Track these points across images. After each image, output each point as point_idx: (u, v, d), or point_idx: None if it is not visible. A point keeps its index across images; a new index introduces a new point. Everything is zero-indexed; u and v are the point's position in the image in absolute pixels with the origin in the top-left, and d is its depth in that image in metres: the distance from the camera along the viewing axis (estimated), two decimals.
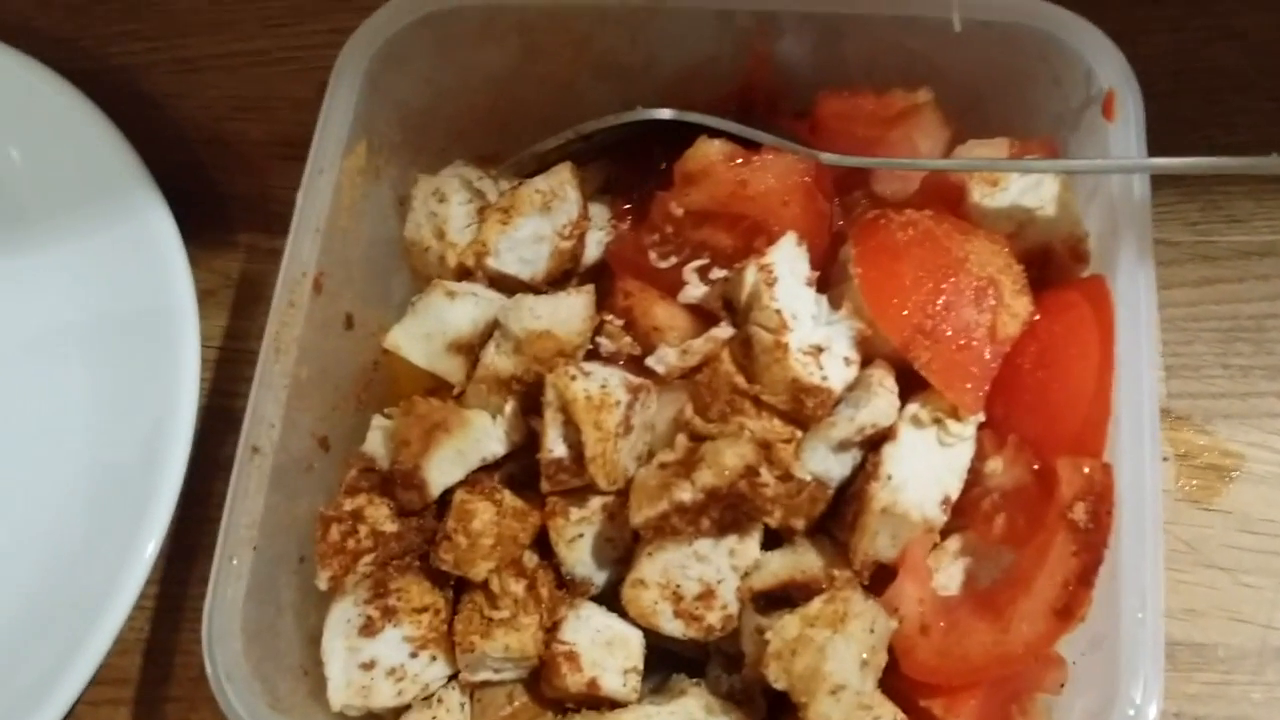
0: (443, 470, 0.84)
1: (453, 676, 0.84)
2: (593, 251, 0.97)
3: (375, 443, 0.88)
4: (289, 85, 1.17)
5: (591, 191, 0.98)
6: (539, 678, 0.84)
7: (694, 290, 0.91)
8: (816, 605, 0.78)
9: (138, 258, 1.03)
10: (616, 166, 1.01)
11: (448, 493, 0.85)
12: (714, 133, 0.92)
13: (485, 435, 0.85)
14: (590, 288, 0.90)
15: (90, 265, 1.05)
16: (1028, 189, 0.89)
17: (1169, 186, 1.05)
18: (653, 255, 0.92)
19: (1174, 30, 1.13)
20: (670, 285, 0.91)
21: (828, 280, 0.90)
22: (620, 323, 0.91)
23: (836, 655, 0.76)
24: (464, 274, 0.94)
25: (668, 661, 0.86)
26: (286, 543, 0.83)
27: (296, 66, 1.18)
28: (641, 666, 0.83)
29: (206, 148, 1.17)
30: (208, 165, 1.16)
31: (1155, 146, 0.88)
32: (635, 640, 0.83)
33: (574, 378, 0.82)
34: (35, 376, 1.05)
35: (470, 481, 0.85)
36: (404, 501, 0.84)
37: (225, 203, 1.15)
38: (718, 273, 0.91)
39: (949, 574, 0.83)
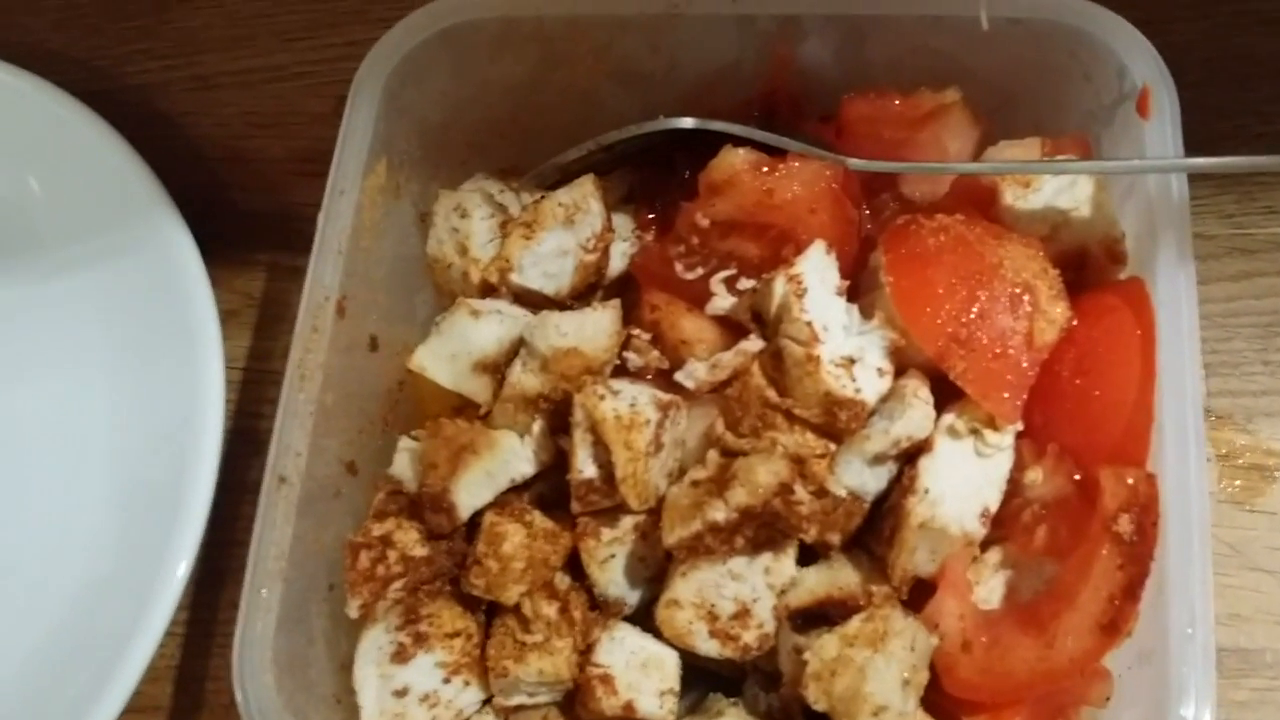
0: (472, 492, 0.83)
1: (486, 701, 0.83)
2: (617, 263, 0.95)
3: (403, 465, 0.87)
4: (306, 100, 1.16)
5: (614, 202, 0.97)
6: (574, 701, 0.82)
7: (722, 302, 0.89)
8: (855, 624, 0.76)
9: (159, 280, 1.02)
10: (639, 176, 0.99)
11: (477, 515, 0.84)
12: (738, 140, 0.90)
13: (514, 456, 0.84)
14: (616, 303, 0.89)
15: (111, 289, 1.05)
16: (1062, 190, 0.87)
17: (1203, 179, 1.03)
18: (679, 267, 0.91)
19: (1204, 17, 1.10)
20: (697, 297, 0.90)
21: (858, 288, 0.88)
22: (647, 337, 0.89)
23: (877, 675, 0.74)
24: (488, 290, 0.93)
25: (704, 681, 0.85)
26: (316, 571, 0.82)
27: (313, 81, 1.17)
28: (678, 688, 0.81)
29: (225, 166, 1.16)
30: (226, 183, 1.15)
31: (1187, 137, 0.86)
32: (671, 661, 0.81)
33: (603, 397, 0.81)
34: (60, 402, 1.04)
35: (500, 503, 0.84)
36: (433, 525, 0.83)
37: (245, 221, 1.14)
38: (745, 283, 0.89)
39: (990, 587, 0.81)
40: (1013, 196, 0.88)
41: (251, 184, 1.15)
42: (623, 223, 0.97)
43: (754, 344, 0.85)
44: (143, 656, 0.90)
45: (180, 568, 0.92)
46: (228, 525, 0.98)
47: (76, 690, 0.90)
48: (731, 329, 0.89)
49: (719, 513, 0.78)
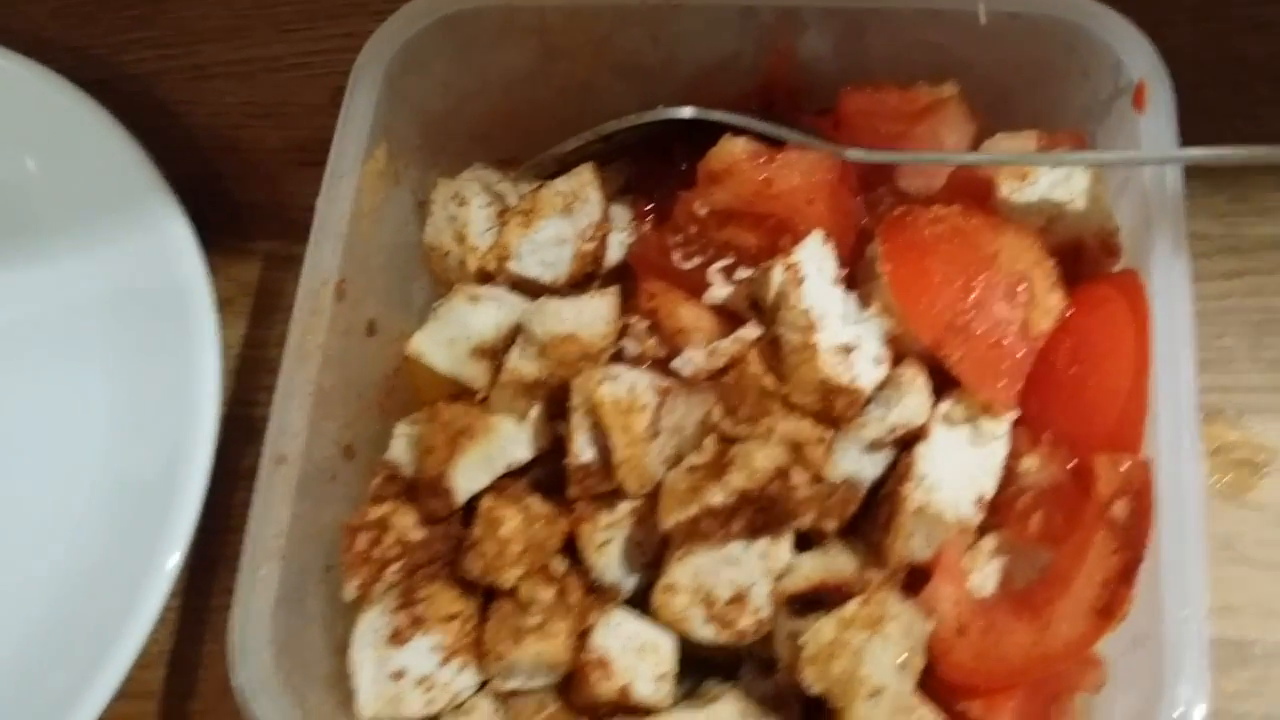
0: (469, 476, 0.83)
1: (483, 685, 0.83)
2: (614, 253, 0.95)
3: (399, 450, 0.87)
4: (304, 91, 1.17)
5: (612, 193, 0.97)
6: (570, 685, 0.82)
7: (719, 291, 0.89)
8: (852, 608, 0.76)
9: (156, 266, 1.02)
10: (637, 167, 1.00)
11: (474, 499, 0.84)
12: (737, 131, 0.91)
13: (511, 441, 0.84)
14: (615, 289, 0.89)
15: (108, 274, 1.05)
16: (1057, 183, 0.88)
17: (1196, 178, 1.01)
18: (676, 256, 0.91)
19: (1199, 21, 1.11)
20: (694, 286, 0.90)
21: (854, 279, 0.89)
22: (645, 325, 0.89)
23: (874, 658, 0.74)
24: (485, 278, 0.94)
25: (699, 667, 0.85)
26: (312, 552, 0.82)
27: (311, 72, 1.17)
28: (674, 672, 0.81)
29: (221, 155, 1.16)
30: (223, 173, 1.15)
31: (1181, 138, 0.86)
32: (667, 645, 0.81)
33: (601, 381, 0.81)
34: (53, 388, 1.04)
35: (497, 488, 0.84)
36: (430, 509, 0.83)
37: (241, 210, 1.14)
38: (743, 273, 0.89)
39: (984, 574, 0.81)
40: (1009, 189, 0.88)
41: (247, 173, 1.15)
42: (620, 213, 0.97)
43: (752, 331, 0.85)
44: (134, 644, 0.90)
45: (172, 557, 0.92)
46: (222, 512, 0.98)
47: (68, 676, 0.90)
48: (728, 319, 0.89)
49: (717, 496, 0.78)
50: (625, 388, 0.81)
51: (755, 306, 0.88)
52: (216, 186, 1.14)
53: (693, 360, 0.85)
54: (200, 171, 1.14)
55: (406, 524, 0.82)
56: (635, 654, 0.80)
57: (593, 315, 0.86)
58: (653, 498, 0.82)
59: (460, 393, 0.89)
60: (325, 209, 0.88)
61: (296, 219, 1.08)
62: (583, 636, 0.81)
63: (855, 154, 0.89)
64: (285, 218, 1.12)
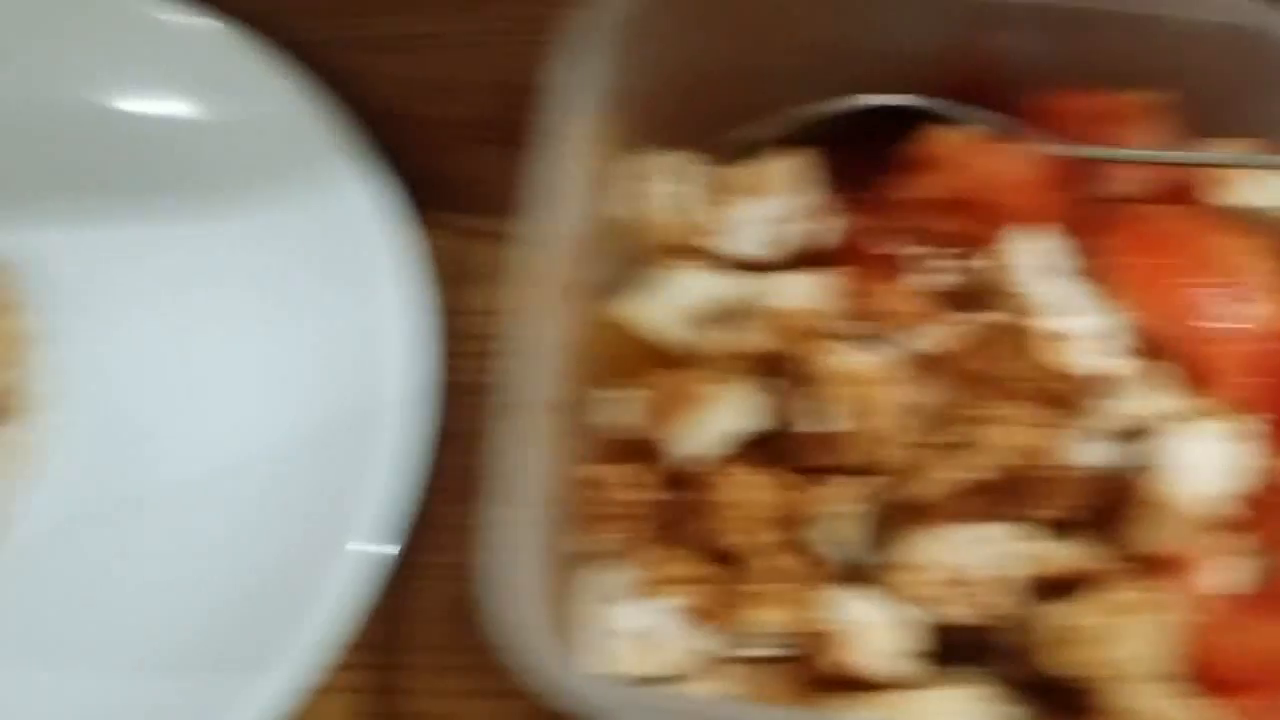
0: (694, 442, 0.82)
1: (715, 650, 0.81)
2: (818, 238, 0.94)
3: (615, 413, 0.86)
4: (474, 69, 1.16)
5: (815, 178, 0.96)
6: (805, 655, 0.81)
7: (928, 277, 0.89)
8: (1111, 594, 0.76)
9: (362, 229, 1.04)
10: (832, 154, 0.99)
11: (700, 466, 0.82)
12: (947, 121, 0.91)
13: (734, 410, 0.83)
14: (835, 270, 0.89)
15: (308, 233, 1.05)
16: (1267, 191, 0.88)
17: None
18: (885, 242, 0.91)
19: None
20: (901, 272, 0.89)
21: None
22: (856, 307, 0.88)
23: (1135, 646, 0.73)
24: (681, 253, 0.92)
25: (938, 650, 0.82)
26: (550, 505, 0.79)
27: (482, 52, 1.17)
28: (914, 650, 0.80)
29: (393, 128, 1.14)
30: (394, 146, 1.13)
31: None
32: (910, 622, 0.80)
33: (836, 352, 0.81)
34: (251, 344, 1.03)
35: (724, 456, 0.83)
36: (651, 473, 0.82)
37: (408, 182, 1.13)
38: (950, 261, 0.89)
39: (1228, 573, 0.80)
40: (1219, 196, 0.88)
41: (416, 147, 1.14)
42: (817, 199, 0.96)
43: (978, 317, 0.85)
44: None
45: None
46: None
47: (276, 628, 0.89)
48: (938, 305, 0.88)
49: (960, 474, 0.77)
50: (862, 361, 0.81)
51: (972, 293, 0.87)
52: (386, 158, 1.12)
53: (916, 343, 0.84)
54: (371, 143, 1.12)
55: (634, 484, 0.82)
56: (876, 629, 0.79)
57: (815, 291, 0.86)
58: (886, 473, 0.81)
59: (663, 361, 0.88)
60: (541, 166, 0.86)
61: (460, 192, 1.09)
62: (819, 608, 0.80)
63: (1077, 151, 0.89)
64: (449, 190, 1.12)
